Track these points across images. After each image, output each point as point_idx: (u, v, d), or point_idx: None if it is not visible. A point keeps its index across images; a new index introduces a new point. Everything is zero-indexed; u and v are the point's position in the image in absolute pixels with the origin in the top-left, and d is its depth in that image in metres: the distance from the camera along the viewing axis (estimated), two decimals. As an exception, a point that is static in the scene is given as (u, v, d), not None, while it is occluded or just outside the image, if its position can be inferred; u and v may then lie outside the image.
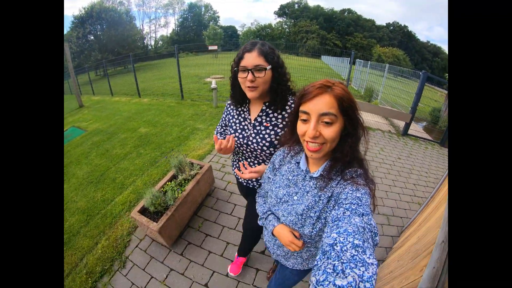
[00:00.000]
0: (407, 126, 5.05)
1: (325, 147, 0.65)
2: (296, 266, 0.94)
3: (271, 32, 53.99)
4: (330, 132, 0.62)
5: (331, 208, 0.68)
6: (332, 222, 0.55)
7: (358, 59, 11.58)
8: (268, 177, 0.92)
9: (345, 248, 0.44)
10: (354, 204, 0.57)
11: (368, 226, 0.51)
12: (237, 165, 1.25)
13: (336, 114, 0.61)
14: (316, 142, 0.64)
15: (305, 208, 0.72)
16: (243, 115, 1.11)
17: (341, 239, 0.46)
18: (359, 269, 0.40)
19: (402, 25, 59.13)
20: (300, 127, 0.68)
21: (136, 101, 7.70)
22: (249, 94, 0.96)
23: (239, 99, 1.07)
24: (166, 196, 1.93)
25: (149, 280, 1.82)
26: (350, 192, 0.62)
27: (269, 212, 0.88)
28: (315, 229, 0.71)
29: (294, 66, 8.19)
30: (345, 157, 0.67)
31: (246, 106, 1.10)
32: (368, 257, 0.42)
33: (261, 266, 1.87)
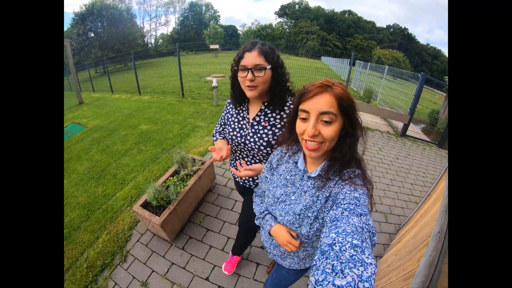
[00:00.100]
0: (406, 127, 5.11)
1: (324, 146, 0.65)
2: (292, 266, 0.94)
3: (272, 32, 54.05)
4: (329, 131, 0.63)
5: (329, 208, 0.68)
6: (331, 222, 0.55)
7: (358, 61, 11.64)
8: (266, 177, 0.92)
9: (344, 248, 0.44)
10: (352, 204, 0.57)
11: (366, 226, 0.51)
12: (234, 164, 1.25)
13: (335, 113, 0.62)
14: (315, 140, 0.64)
15: (302, 208, 0.72)
16: (241, 114, 1.12)
17: (340, 239, 0.47)
18: (358, 269, 0.40)
19: (403, 27, 59.51)
20: (299, 126, 0.68)
21: (137, 98, 7.71)
22: (249, 94, 0.96)
23: (239, 98, 1.08)
24: (169, 191, 1.96)
25: (150, 274, 1.83)
26: (348, 192, 0.62)
27: (266, 212, 0.88)
28: (313, 229, 0.71)
29: (294, 66, 8.23)
30: (344, 157, 0.67)
31: (245, 106, 1.11)
32: (366, 257, 0.43)
33: (262, 261, 1.90)
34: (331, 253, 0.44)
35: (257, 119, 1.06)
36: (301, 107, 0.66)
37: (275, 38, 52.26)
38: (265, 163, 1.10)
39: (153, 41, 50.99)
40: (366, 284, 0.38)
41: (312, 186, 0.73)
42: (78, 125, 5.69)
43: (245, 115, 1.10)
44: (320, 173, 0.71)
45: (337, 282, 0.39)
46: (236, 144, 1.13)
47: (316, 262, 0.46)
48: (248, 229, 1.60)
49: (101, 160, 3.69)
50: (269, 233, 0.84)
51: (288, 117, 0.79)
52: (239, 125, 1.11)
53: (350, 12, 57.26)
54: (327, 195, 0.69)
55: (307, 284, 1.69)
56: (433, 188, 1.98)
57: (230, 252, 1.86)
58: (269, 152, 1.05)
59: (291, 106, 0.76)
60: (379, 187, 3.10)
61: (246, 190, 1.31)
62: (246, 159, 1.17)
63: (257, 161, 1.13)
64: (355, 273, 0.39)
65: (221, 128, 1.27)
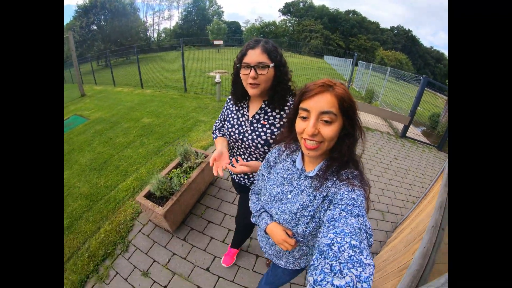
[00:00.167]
0: (406, 128, 5.14)
1: (323, 146, 0.65)
2: (288, 265, 0.94)
3: (275, 30, 53.76)
4: (329, 131, 0.63)
5: (326, 208, 0.68)
6: (328, 222, 0.55)
7: (360, 61, 11.65)
8: (262, 175, 0.91)
9: (342, 248, 0.44)
10: (350, 205, 0.57)
11: (364, 227, 0.52)
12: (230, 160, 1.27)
13: (336, 113, 0.62)
14: (314, 140, 0.64)
15: (299, 207, 0.72)
16: (241, 111, 1.12)
17: (339, 239, 0.47)
18: (357, 270, 0.40)
19: (407, 29, 59.15)
20: (299, 124, 0.68)
21: (139, 92, 7.71)
22: (251, 91, 0.96)
23: (240, 95, 1.07)
24: (172, 182, 2.00)
25: (152, 263, 1.87)
26: (346, 193, 0.62)
27: (263, 210, 0.87)
28: (309, 228, 0.71)
29: (296, 64, 8.24)
30: (342, 157, 0.67)
31: (246, 103, 1.11)
32: (365, 258, 0.43)
33: (261, 253, 1.94)
34: (330, 253, 0.44)
35: (257, 117, 1.06)
36: (302, 105, 0.66)
37: (278, 36, 52.02)
38: (261, 161, 1.10)
39: (155, 35, 50.71)
40: (365, 285, 0.39)
41: (310, 185, 0.73)
42: (80, 117, 5.70)
43: (245, 112, 1.10)
44: (318, 172, 0.71)
45: (336, 282, 0.39)
46: (234, 140, 1.14)
47: (314, 262, 0.46)
48: (244, 226, 1.62)
49: (104, 152, 3.71)
50: (265, 231, 0.83)
51: (288, 115, 0.79)
52: (238, 122, 1.11)
53: (354, 12, 56.91)
54: (324, 195, 0.69)
55: (304, 285, 1.74)
56: (430, 188, 2.03)
57: (229, 245, 1.90)
58: (266, 150, 1.06)
59: (292, 106, 0.76)
60: (378, 186, 3.14)
61: (242, 187, 1.32)
62: (242, 156, 1.17)
63: (253, 159, 1.13)
64: (353, 274, 0.39)
65: (221, 124, 1.28)
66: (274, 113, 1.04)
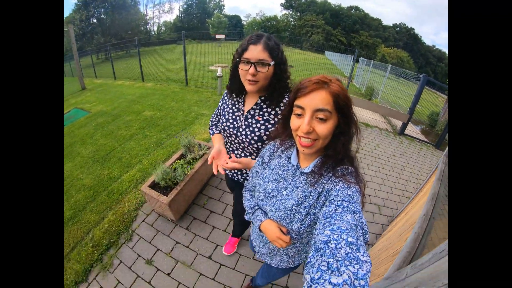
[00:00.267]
0: (404, 126, 5.20)
1: (318, 143, 0.65)
2: (282, 264, 0.94)
3: (276, 24, 53.20)
4: (323, 129, 0.62)
5: (321, 204, 0.68)
6: (324, 219, 0.55)
7: (361, 58, 11.61)
8: (257, 171, 0.90)
9: (339, 245, 0.44)
10: (345, 202, 0.57)
11: (360, 224, 0.51)
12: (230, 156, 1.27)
13: (331, 111, 0.61)
14: (309, 137, 0.64)
15: (294, 203, 0.71)
16: (237, 106, 1.11)
17: (335, 236, 0.47)
18: (354, 267, 0.40)
19: (409, 27, 58.70)
20: (294, 122, 0.67)
21: (140, 85, 7.72)
22: (248, 88, 0.94)
23: (236, 90, 1.06)
24: (176, 172, 2.06)
25: (155, 252, 1.92)
26: (342, 189, 0.61)
27: (257, 207, 0.86)
28: (304, 225, 0.70)
29: (297, 60, 8.25)
30: (337, 154, 0.67)
31: (242, 98, 1.09)
32: (362, 255, 0.43)
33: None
34: (327, 251, 0.44)
35: (252, 112, 1.05)
36: (297, 103, 0.66)
37: (279, 30, 51.49)
38: (254, 157, 1.11)
39: (155, 28, 50.18)
40: (362, 282, 0.39)
41: (305, 181, 0.72)
42: (81, 110, 5.71)
43: (240, 107, 1.09)
44: (313, 169, 0.71)
45: (334, 280, 0.39)
46: (228, 135, 1.14)
47: (310, 259, 0.46)
48: (241, 221, 1.68)
49: (106, 144, 3.74)
50: (259, 229, 0.83)
51: (282, 112, 0.78)
52: (233, 116, 1.11)
53: (357, 8, 56.40)
54: (320, 191, 0.69)
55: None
56: (424, 183, 2.10)
57: (230, 235, 1.97)
58: (259, 146, 1.05)
59: (288, 101, 0.75)
60: (375, 180, 3.22)
61: (235, 183, 1.32)
62: (236, 151, 1.17)
63: (247, 154, 1.13)
64: (351, 271, 0.39)
65: (217, 119, 1.27)
66: (269, 109, 1.03)
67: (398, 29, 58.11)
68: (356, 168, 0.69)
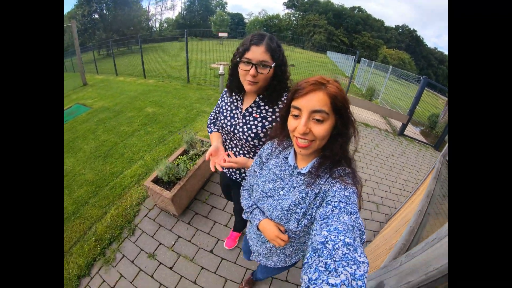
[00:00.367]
0: (404, 126, 5.24)
1: (314, 145, 0.65)
2: (279, 263, 0.94)
3: (279, 23, 53.08)
4: (320, 130, 0.62)
5: (318, 205, 0.68)
6: (321, 220, 0.55)
7: (363, 58, 11.63)
8: (254, 171, 0.90)
9: (336, 246, 0.44)
10: (342, 203, 0.57)
11: (357, 225, 0.52)
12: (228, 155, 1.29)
13: (328, 112, 0.61)
14: (305, 138, 0.64)
15: (291, 203, 0.72)
16: (235, 104, 1.11)
17: (332, 237, 0.47)
18: (351, 267, 0.41)
19: (412, 28, 58.76)
20: (291, 122, 0.67)
21: (142, 81, 7.73)
22: (247, 88, 0.94)
23: (235, 89, 1.06)
24: (179, 168, 2.10)
25: (157, 246, 1.95)
26: (339, 190, 0.62)
27: (255, 206, 0.87)
28: (301, 225, 0.71)
29: (299, 59, 8.27)
30: (334, 156, 0.67)
31: (241, 96, 1.10)
32: (359, 256, 0.43)
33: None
34: (324, 251, 0.44)
35: (250, 110, 1.06)
36: (294, 103, 0.66)
37: (281, 29, 51.41)
38: (251, 156, 1.13)
39: (157, 25, 50.03)
40: (359, 283, 0.39)
41: (302, 182, 0.73)
42: (83, 106, 5.71)
43: (238, 105, 1.10)
44: (310, 169, 0.71)
45: (331, 280, 0.39)
46: (226, 132, 1.14)
47: (308, 260, 0.46)
48: (242, 218, 1.71)
49: (108, 140, 3.76)
50: (257, 228, 0.83)
51: (280, 112, 0.79)
52: (231, 114, 1.11)
53: (359, 8, 56.35)
54: (317, 191, 0.69)
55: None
56: (421, 183, 2.14)
57: (231, 229, 2.00)
58: (257, 144, 1.05)
59: (285, 101, 0.75)
60: (373, 179, 3.26)
61: (233, 182, 1.32)
62: (234, 149, 1.18)
63: (245, 152, 1.14)
64: (348, 272, 0.40)
65: (215, 117, 1.28)
66: (267, 107, 1.03)
67: (400, 30, 58.10)
68: (353, 169, 0.69)
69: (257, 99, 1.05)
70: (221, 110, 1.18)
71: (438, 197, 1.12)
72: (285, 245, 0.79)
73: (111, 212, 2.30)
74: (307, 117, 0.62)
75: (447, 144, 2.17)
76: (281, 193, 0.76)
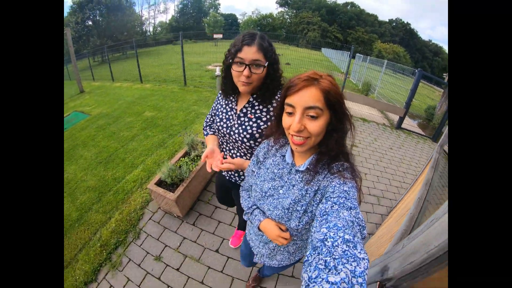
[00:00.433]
0: (401, 120, 5.28)
1: (310, 141, 0.64)
2: (283, 262, 0.94)
3: (272, 22, 52.99)
4: (315, 126, 0.61)
5: (318, 201, 0.67)
6: (321, 216, 0.54)
7: (358, 54, 11.68)
8: (252, 171, 0.90)
9: (336, 243, 0.44)
10: (342, 198, 0.57)
11: (357, 220, 0.51)
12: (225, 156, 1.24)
13: (322, 108, 0.60)
14: (300, 135, 0.63)
15: (291, 201, 0.71)
16: (230, 105, 1.11)
17: (332, 234, 0.46)
18: (351, 265, 0.40)
19: (405, 22, 58.86)
20: (285, 120, 0.66)
21: (138, 86, 7.73)
22: (242, 89, 0.93)
23: (229, 90, 1.05)
24: (182, 169, 2.12)
25: (163, 248, 1.96)
26: (338, 185, 0.61)
27: (255, 207, 0.86)
28: (302, 223, 0.70)
29: (294, 57, 8.31)
30: (330, 151, 0.66)
31: (235, 97, 1.10)
32: (359, 252, 0.43)
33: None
34: (323, 249, 0.44)
35: (244, 110, 1.05)
36: (287, 101, 0.65)
37: (275, 28, 51.38)
38: (248, 157, 1.12)
39: (151, 29, 49.94)
40: (360, 280, 0.38)
41: (300, 179, 0.72)
42: (81, 113, 5.71)
43: (233, 106, 1.10)
44: (308, 166, 0.70)
45: (331, 278, 0.38)
46: (222, 135, 1.14)
47: (308, 258, 0.46)
48: (245, 220, 1.74)
49: (108, 145, 3.77)
50: (259, 228, 0.82)
51: (274, 110, 0.78)
52: (227, 116, 1.11)
53: (352, 4, 56.41)
54: (316, 188, 0.68)
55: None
56: (420, 173, 2.18)
57: (236, 228, 2.03)
58: (252, 145, 1.05)
59: (279, 99, 0.74)
60: (373, 173, 3.30)
61: (232, 184, 1.31)
62: (232, 151, 1.17)
63: (241, 153, 1.13)
64: (348, 269, 0.39)
65: (211, 121, 1.27)
66: (261, 107, 1.03)
67: (394, 24, 58.24)
68: (351, 164, 0.69)
69: (251, 99, 1.04)
70: (216, 112, 1.18)
71: (436, 184, 1.15)
72: (288, 243, 0.78)
73: (115, 217, 2.31)
74: (301, 114, 0.62)
75: (443, 134, 2.20)
76: (281, 191, 0.76)
